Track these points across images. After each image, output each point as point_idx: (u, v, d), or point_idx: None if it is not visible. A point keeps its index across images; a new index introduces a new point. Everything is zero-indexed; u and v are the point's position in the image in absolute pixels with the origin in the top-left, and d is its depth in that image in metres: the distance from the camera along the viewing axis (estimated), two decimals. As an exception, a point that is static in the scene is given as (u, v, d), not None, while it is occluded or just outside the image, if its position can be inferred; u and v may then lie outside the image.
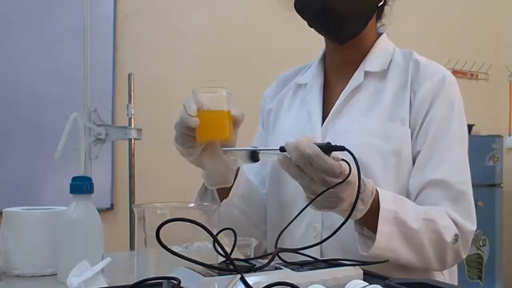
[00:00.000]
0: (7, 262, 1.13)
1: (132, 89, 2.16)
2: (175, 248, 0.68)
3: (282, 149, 0.87)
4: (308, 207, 0.90)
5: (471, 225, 1.04)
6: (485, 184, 3.70)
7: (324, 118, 1.15)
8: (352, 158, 0.84)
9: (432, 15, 3.88)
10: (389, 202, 0.96)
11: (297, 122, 1.19)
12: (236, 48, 3.20)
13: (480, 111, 3.87)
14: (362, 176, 0.91)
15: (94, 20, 1.72)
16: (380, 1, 1.13)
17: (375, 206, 0.94)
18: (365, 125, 1.09)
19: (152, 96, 2.92)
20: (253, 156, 0.93)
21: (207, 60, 3.14)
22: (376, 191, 0.95)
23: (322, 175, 0.85)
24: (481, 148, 3.76)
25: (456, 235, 1.01)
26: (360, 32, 1.14)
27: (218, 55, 3.16)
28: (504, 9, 4.32)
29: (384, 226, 0.94)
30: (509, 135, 4.24)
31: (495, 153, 3.83)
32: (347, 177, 0.85)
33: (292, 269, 0.73)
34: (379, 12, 1.19)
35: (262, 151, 0.93)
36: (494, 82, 4.30)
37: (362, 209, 0.91)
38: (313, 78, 1.22)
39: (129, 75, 2.18)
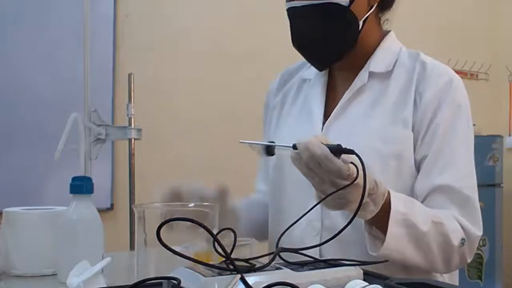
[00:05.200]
0: (7, 262, 1.13)
1: (132, 89, 2.15)
2: (175, 248, 0.68)
3: (294, 147, 0.88)
4: (308, 205, 0.91)
5: (478, 231, 1.04)
6: (485, 184, 3.70)
7: (326, 116, 1.14)
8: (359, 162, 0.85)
9: (432, 15, 3.88)
10: (400, 204, 0.96)
11: (298, 120, 1.18)
12: (236, 48, 3.20)
13: (480, 111, 3.86)
14: (375, 178, 0.91)
15: (94, 21, 1.71)
16: (364, 16, 1.09)
17: (386, 207, 0.94)
18: (366, 127, 1.09)
19: (152, 96, 2.92)
20: (268, 150, 0.94)
21: (207, 60, 3.14)
22: (388, 192, 0.95)
23: (331, 177, 0.85)
24: (481, 148, 3.75)
25: (463, 238, 1.01)
26: (346, 52, 1.11)
27: (218, 55, 3.16)
28: (504, 9, 4.32)
29: (394, 227, 0.94)
30: (509, 135, 4.24)
31: (495, 153, 3.83)
32: (354, 180, 0.85)
33: (292, 269, 0.73)
34: (380, 6, 1.15)
35: (277, 146, 0.95)
36: (494, 82, 4.29)
37: (372, 210, 0.92)
38: (317, 74, 1.21)
39: (129, 75, 2.18)
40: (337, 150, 0.85)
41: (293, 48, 1.14)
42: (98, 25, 2.52)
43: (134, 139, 2.09)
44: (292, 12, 1.10)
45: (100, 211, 1.07)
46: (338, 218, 1.05)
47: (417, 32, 3.54)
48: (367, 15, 1.10)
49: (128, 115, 2.11)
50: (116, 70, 2.94)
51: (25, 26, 2.73)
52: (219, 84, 3.14)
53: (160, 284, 0.70)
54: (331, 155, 0.84)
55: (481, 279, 3.76)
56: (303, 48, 1.13)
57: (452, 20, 4.03)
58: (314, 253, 0.89)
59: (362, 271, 0.77)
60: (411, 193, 1.06)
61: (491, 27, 4.30)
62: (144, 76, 2.64)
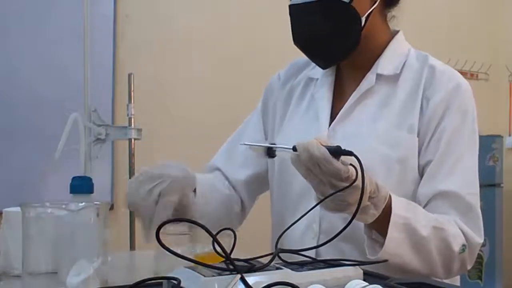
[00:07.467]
0: (7, 262, 1.13)
1: (132, 89, 2.16)
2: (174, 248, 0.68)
3: (294, 149, 0.88)
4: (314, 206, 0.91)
5: (479, 238, 1.04)
6: (485, 184, 3.69)
7: (332, 117, 1.13)
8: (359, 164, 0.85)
9: (432, 15, 3.88)
10: (401, 208, 0.96)
11: (304, 121, 1.18)
12: (236, 48, 3.20)
13: (480, 111, 3.85)
14: (376, 181, 0.91)
15: (94, 20, 1.71)
16: (364, 13, 1.07)
17: (387, 211, 0.94)
18: (372, 130, 1.08)
19: (152, 96, 2.92)
20: (269, 152, 0.94)
21: (207, 60, 3.14)
22: (389, 196, 0.94)
23: (330, 178, 0.85)
24: (481, 148, 3.67)
25: (463, 244, 1.01)
26: (350, 49, 1.10)
27: (218, 55, 3.16)
28: (504, 9, 4.32)
29: (394, 232, 0.94)
30: (509, 135, 4.24)
31: (495, 153, 3.83)
32: (353, 182, 0.85)
33: (292, 269, 0.73)
34: (386, 3, 1.13)
35: (278, 148, 0.94)
36: (494, 82, 4.29)
37: (373, 213, 0.91)
38: (324, 73, 1.19)
39: (129, 75, 2.18)
40: (336, 152, 0.85)
41: (294, 48, 1.14)
42: (98, 25, 2.52)
43: (134, 139, 2.09)
44: (293, 10, 1.10)
45: (100, 211, 1.06)
46: (336, 221, 1.05)
47: (417, 31, 3.53)
48: (369, 10, 1.08)
49: (128, 115, 2.12)
50: (116, 70, 2.93)
51: (25, 26, 2.73)
52: (219, 84, 3.14)
53: (160, 284, 0.70)
54: (329, 157, 0.84)
55: (481, 279, 3.76)
56: (304, 47, 1.12)
57: (452, 20, 4.03)
58: (310, 254, 0.89)
59: (361, 271, 0.77)
60: (413, 198, 1.06)
61: (491, 27, 4.30)
62: (144, 76, 2.64)
